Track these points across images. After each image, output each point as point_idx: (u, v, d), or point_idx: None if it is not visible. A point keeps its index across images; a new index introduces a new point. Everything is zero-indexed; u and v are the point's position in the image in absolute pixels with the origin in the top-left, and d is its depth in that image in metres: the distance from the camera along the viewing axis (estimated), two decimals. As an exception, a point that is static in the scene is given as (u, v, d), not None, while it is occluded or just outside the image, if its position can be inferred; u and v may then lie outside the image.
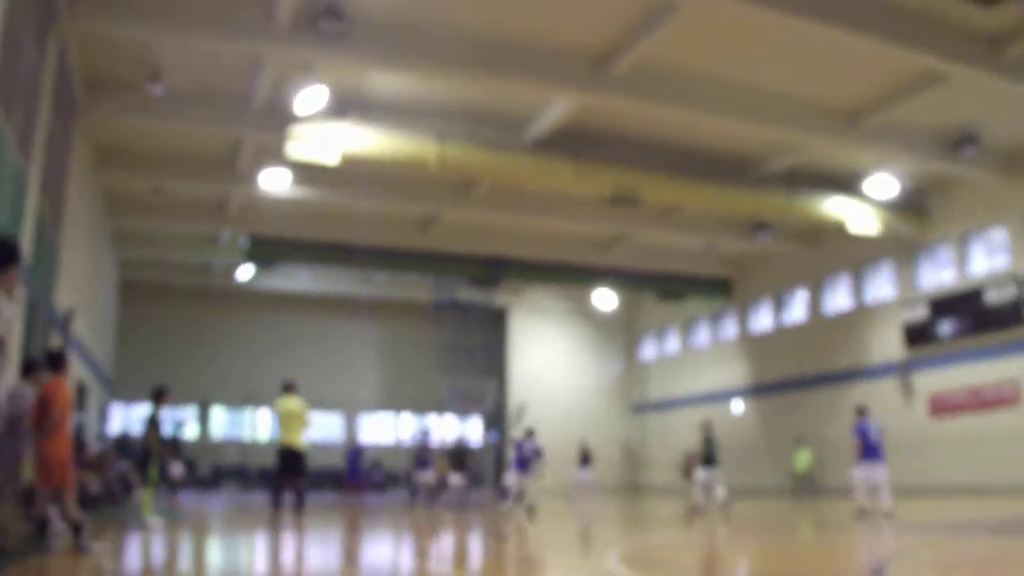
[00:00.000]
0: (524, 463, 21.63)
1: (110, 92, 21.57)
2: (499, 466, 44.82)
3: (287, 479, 17.23)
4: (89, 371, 28.08)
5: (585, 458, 30.24)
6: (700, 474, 20.49)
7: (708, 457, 20.63)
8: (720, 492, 20.13)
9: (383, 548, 12.81)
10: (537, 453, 22.54)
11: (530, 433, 22.58)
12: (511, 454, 23.02)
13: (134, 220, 31.67)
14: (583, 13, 19.23)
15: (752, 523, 18.08)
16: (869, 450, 18.43)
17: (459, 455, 27.00)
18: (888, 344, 31.39)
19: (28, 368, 11.09)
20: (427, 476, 26.75)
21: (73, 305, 22.59)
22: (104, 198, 29.21)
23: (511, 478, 21.52)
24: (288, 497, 17.65)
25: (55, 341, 19.99)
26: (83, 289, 25.49)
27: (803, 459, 32.58)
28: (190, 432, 41.70)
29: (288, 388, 17.45)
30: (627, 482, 46.07)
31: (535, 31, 19.84)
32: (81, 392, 26.07)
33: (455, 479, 26.76)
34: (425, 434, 29.46)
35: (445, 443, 29.24)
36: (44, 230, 18.24)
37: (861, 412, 19.07)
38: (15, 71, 13.77)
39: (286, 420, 16.99)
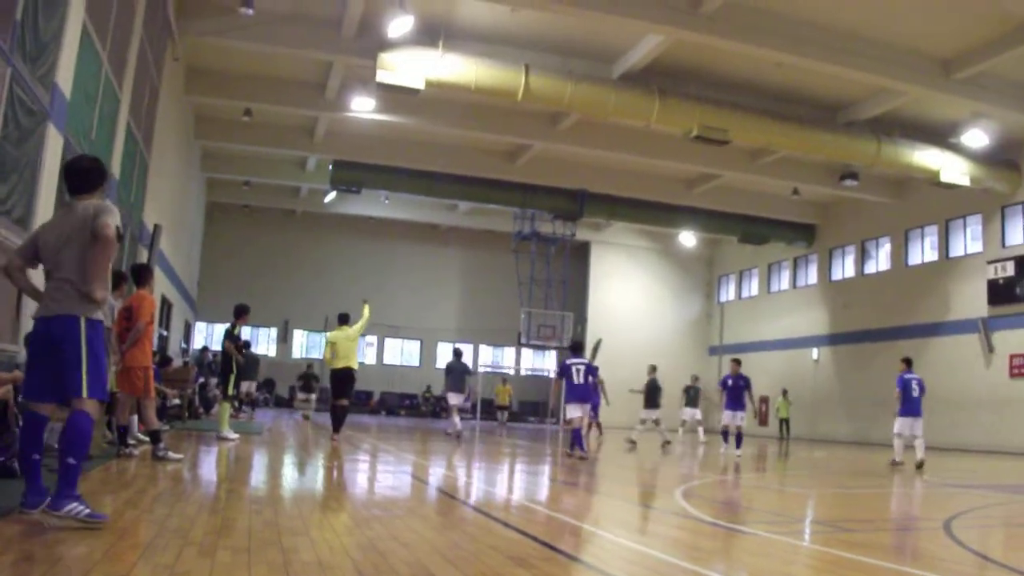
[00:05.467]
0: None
1: (202, 14, 21.82)
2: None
3: (341, 396, 17.87)
4: (174, 288, 28.67)
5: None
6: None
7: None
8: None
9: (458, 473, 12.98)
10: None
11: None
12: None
13: (222, 142, 32.22)
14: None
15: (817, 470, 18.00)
16: (909, 403, 18.30)
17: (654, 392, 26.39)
18: (971, 300, 30.65)
19: (115, 281, 11.32)
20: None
21: (160, 223, 23.04)
22: (193, 120, 29.65)
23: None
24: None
25: (141, 257, 20.44)
26: (170, 208, 25.99)
27: (783, 408, 36.72)
28: (265, 352, 42.55)
29: (344, 320, 18.28)
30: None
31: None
32: (165, 308, 26.65)
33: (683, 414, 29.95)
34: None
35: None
36: (134, 148, 18.60)
37: (907, 363, 18.96)
38: (109, -11, 13.96)
39: (344, 345, 17.61)
